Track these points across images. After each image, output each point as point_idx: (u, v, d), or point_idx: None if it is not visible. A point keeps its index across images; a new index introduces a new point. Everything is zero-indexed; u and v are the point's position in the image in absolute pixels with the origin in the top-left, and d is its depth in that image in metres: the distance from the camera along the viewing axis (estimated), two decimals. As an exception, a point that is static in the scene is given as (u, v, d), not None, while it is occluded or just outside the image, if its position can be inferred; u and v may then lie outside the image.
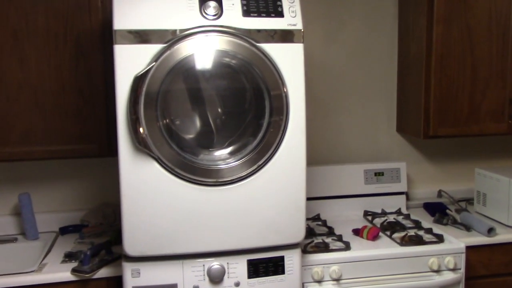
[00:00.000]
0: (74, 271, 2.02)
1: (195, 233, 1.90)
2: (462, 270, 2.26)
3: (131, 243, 1.87)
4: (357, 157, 2.85)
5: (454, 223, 2.52)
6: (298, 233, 2.00)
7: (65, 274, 2.03)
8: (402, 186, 2.75)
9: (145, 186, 1.87)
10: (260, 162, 1.93)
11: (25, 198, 2.39)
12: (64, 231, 2.47)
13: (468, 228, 2.44)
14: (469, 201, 2.85)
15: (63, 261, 2.14)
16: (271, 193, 1.95)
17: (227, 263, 1.95)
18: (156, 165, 1.87)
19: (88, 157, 2.33)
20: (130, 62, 1.81)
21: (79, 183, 2.58)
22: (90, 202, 2.58)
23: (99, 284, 2.06)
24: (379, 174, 2.73)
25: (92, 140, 2.26)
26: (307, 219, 2.56)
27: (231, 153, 1.97)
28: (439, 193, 2.90)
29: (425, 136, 2.59)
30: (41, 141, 2.23)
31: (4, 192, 2.51)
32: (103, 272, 2.06)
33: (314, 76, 2.72)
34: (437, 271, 2.22)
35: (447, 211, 2.69)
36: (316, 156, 2.74)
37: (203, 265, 1.94)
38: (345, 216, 2.66)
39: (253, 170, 1.93)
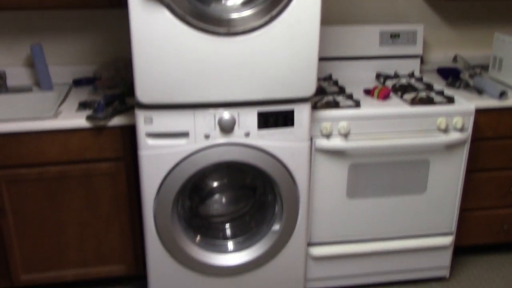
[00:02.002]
0: (88, 118, 2.08)
1: (206, 83, 1.92)
2: (469, 131, 2.29)
3: (143, 91, 1.90)
4: (373, 18, 2.76)
5: (467, 87, 2.50)
6: (308, 88, 2.00)
7: (80, 120, 2.08)
8: (417, 49, 2.69)
9: (156, 35, 1.84)
10: (273, 13, 1.88)
11: (37, 48, 2.39)
12: (77, 83, 2.51)
13: (480, 91, 2.43)
14: (485, 67, 2.80)
15: (78, 109, 2.19)
16: (283, 46, 1.92)
17: (238, 113, 1.99)
18: (167, 13, 1.82)
19: (98, 8, 2.28)
20: None
21: (91, 37, 2.56)
22: (102, 56, 2.59)
23: (113, 131, 2.12)
24: (395, 36, 2.66)
25: (102, -12, 2.20)
26: (319, 79, 2.56)
27: (244, 3, 1.91)
28: (455, 58, 2.85)
29: (447, -4, 2.49)
30: (50, -11, 2.18)
31: (16, 42, 2.50)
32: (117, 121, 2.11)
33: None
34: (444, 131, 2.25)
35: (461, 75, 2.66)
36: (331, 15, 2.66)
37: (214, 115, 1.98)
38: (357, 78, 2.65)
39: (265, 21, 1.89)
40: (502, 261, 2.74)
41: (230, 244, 2.28)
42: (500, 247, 2.82)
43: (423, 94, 2.38)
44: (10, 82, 2.51)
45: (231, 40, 1.89)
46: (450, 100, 2.31)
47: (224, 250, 2.24)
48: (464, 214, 2.52)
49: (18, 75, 2.53)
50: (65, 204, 2.21)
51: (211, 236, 2.30)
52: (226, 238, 2.32)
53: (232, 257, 2.21)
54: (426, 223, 2.40)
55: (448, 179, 2.34)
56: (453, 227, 2.44)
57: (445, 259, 2.50)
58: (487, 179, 2.49)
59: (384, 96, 2.33)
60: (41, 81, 2.44)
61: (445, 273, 2.54)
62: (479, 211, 2.57)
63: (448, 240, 2.44)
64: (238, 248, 2.24)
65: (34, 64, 2.43)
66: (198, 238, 2.24)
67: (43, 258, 2.29)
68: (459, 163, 2.32)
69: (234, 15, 1.87)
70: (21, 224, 2.21)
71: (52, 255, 2.29)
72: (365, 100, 2.30)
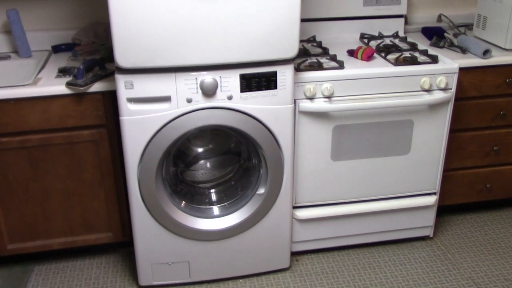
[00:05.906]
0: (68, 84, 2.04)
1: (187, 46, 1.88)
2: (453, 90, 2.28)
3: (123, 55, 1.86)
4: (357, -22, 2.72)
5: (451, 46, 2.49)
6: (291, 48, 1.97)
7: (60, 87, 2.05)
8: (401, 9, 2.66)
9: (134, -5, 1.80)
10: (254, -28, 1.84)
11: (13, 14, 2.32)
12: (56, 49, 2.45)
13: (464, 50, 2.42)
14: (469, 26, 2.79)
15: (58, 76, 2.15)
16: (265, 5, 1.88)
17: (220, 76, 1.96)
18: (144, -26, 1.78)
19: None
20: None
21: (69, 1, 2.49)
22: (81, 21, 2.52)
23: (95, 97, 2.09)
24: (378, -5, 2.63)
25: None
26: (302, 40, 2.53)
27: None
28: (439, 18, 2.83)
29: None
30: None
31: (-9, 9, 2.44)
32: (98, 86, 2.08)
33: None
34: (428, 90, 2.25)
35: (445, 34, 2.65)
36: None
37: (196, 78, 1.95)
38: (341, 39, 2.62)
39: (246, -19, 1.85)
40: (485, 220, 2.78)
41: (216, 209, 2.28)
42: (483, 206, 2.87)
43: (407, 54, 2.36)
44: (-13, 49, 2.46)
45: (211, 0, 1.85)
46: (434, 59, 2.29)
47: (210, 215, 2.25)
48: (448, 174, 2.54)
49: (-5, 42, 2.47)
50: (49, 173, 2.19)
51: (197, 202, 2.30)
52: (211, 203, 2.32)
53: (218, 221, 2.22)
54: (410, 184, 2.42)
55: (432, 139, 2.35)
56: (437, 187, 2.47)
57: (429, 218, 2.53)
58: (470, 138, 2.51)
59: (368, 57, 2.31)
60: (19, 48, 2.39)
61: (429, 232, 2.58)
62: (462, 171, 2.59)
63: (432, 199, 2.47)
64: (224, 212, 2.25)
65: (11, 30, 2.37)
66: (183, 203, 2.24)
67: (29, 227, 2.28)
68: (442, 123, 2.33)
69: (214, -25, 1.83)
70: (5, 193, 2.20)
71: (38, 224, 2.29)
72: (348, 61, 2.28)
